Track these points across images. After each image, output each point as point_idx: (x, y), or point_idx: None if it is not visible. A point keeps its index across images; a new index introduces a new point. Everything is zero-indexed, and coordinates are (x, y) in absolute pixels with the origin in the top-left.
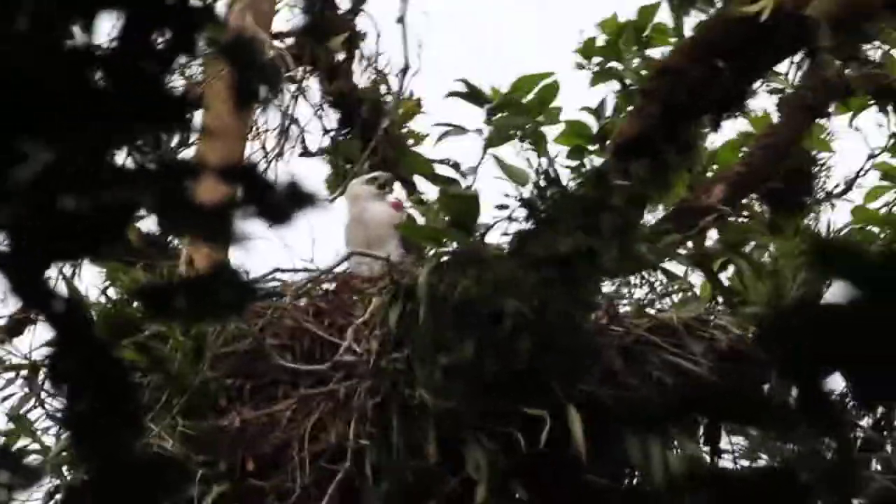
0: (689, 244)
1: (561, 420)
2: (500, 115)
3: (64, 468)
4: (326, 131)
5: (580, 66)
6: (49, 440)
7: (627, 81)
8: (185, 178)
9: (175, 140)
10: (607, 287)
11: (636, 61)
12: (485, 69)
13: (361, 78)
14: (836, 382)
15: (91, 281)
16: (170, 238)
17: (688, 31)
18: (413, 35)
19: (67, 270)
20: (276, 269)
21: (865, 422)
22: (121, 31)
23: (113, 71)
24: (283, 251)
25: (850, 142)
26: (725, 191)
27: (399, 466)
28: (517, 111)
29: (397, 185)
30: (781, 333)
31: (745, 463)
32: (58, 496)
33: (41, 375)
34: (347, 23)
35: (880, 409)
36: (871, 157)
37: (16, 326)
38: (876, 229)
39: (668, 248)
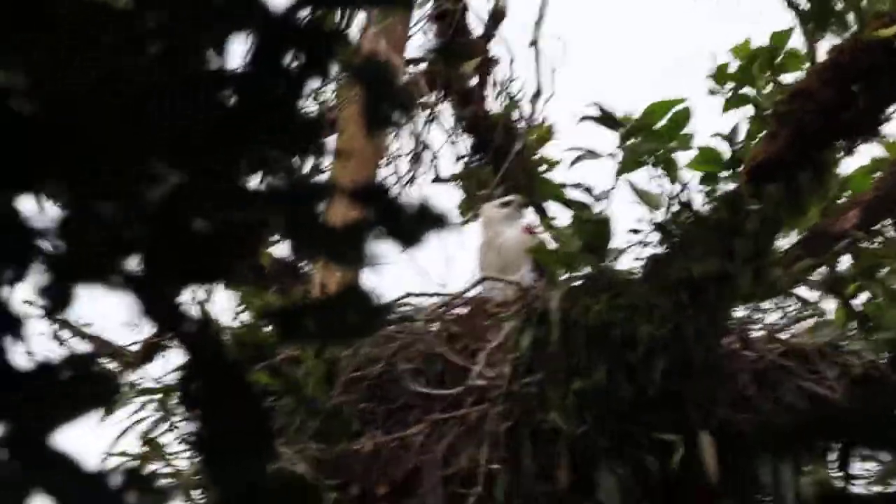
0: (823, 269)
1: (693, 445)
2: (632, 139)
3: (196, 492)
4: (459, 157)
5: (713, 92)
6: (181, 464)
7: (760, 106)
8: (316, 201)
9: (308, 163)
10: (740, 312)
11: (769, 87)
12: (618, 94)
13: (494, 103)
14: None
15: (224, 305)
16: (302, 263)
17: (821, 56)
18: (546, 60)
19: (201, 294)
20: (409, 293)
21: None
22: (253, 54)
23: (245, 94)
24: (417, 275)
25: None
26: (859, 216)
27: (531, 491)
28: (650, 136)
29: (530, 210)
30: None
31: (877, 489)
32: None
33: (173, 399)
34: (480, 48)
35: None
36: None
37: (149, 351)
38: None
39: (801, 273)
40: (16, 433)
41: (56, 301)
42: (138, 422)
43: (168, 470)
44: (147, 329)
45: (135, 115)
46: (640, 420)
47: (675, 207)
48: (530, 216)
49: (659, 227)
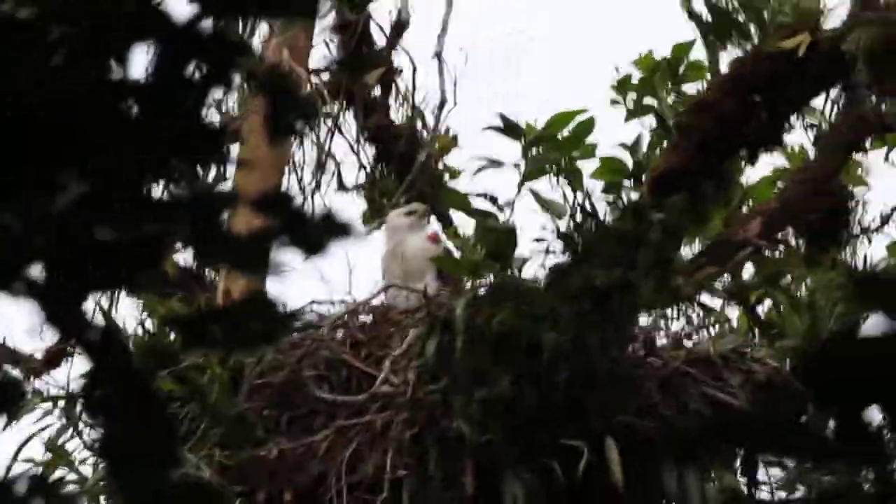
0: (726, 277)
1: (599, 451)
2: (536, 149)
3: (101, 498)
4: (363, 166)
5: (615, 102)
6: (87, 470)
7: (663, 117)
8: (220, 209)
9: (212, 173)
10: (644, 320)
11: (671, 97)
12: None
13: (398, 113)
14: (875, 414)
15: (128, 313)
16: (207, 270)
17: (723, 67)
18: (449, 70)
19: (104, 302)
20: (313, 301)
21: None
22: (156, 63)
23: (148, 103)
24: (321, 283)
25: (887, 177)
26: (762, 225)
27: (437, 498)
28: (553, 146)
29: (434, 219)
30: (819, 366)
31: (783, 494)
32: None
33: (78, 406)
34: (384, 58)
35: None
36: None
37: (53, 358)
38: None
39: (704, 281)
40: None
41: None
42: (43, 428)
43: (74, 476)
44: (51, 336)
45: (38, 124)
46: (545, 427)
47: (579, 216)
48: (434, 225)
49: (562, 235)
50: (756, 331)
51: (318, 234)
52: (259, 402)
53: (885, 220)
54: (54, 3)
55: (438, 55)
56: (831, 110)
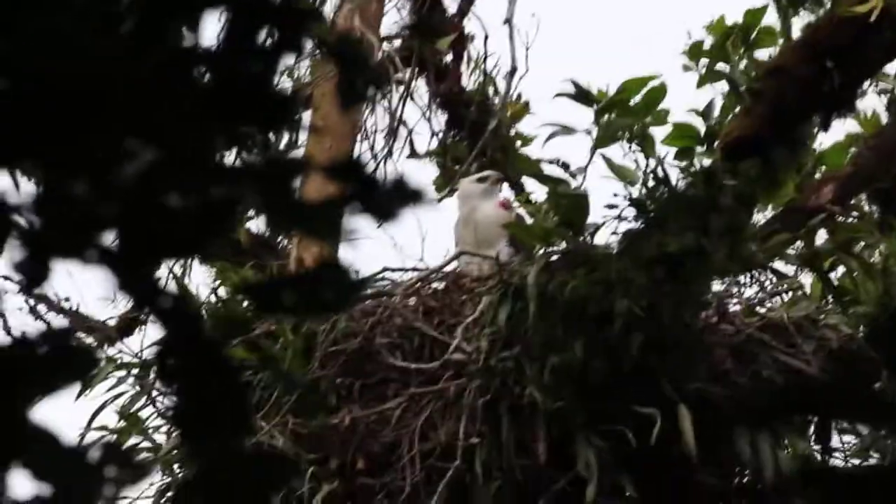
0: (799, 244)
1: (671, 418)
2: (608, 115)
3: (175, 466)
4: (434, 133)
5: (687, 69)
6: (160, 438)
7: (735, 82)
8: (291, 176)
9: (284, 140)
10: (717, 286)
11: (743, 63)
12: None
13: (470, 80)
14: None
15: (202, 281)
16: (279, 238)
17: (796, 33)
18: (521, 36)
19: (178, 270)
20: (386, 268)
21: None
22: (227, 30)
23: (219, 70)
24: (393, 250)
25: None
26: (835, 191)
27: (509, 465)
28: (625, 112)
29: (506, 186)
30: (892, 333)
31: (856, 461)
32: (169, 494)
33: (151, 374)
34: (455, 25)
35: None
36: None
37: (126, 326)
38: None
39: (777, 247)
40: None
41: (32, 276)
42: (117, 396)
43: (147, 444)
44: (124, 304)
45: (109, 92)
46: (617, 394)
47: (651, 183)
48: (507, 191)
49: (634, 202)
50: (829, 297)
51: (391, 200)
52: (332, 370)
53: None
54: None
55: (509, 21)
56: None
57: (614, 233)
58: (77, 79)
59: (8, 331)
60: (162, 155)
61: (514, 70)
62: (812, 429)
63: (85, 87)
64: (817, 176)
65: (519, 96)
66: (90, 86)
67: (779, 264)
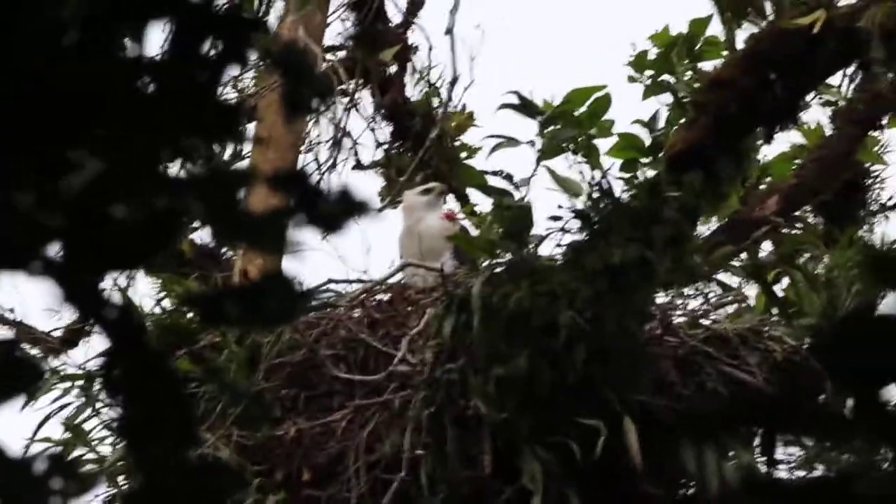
0: (743, 256)
1: (617, 430)
2: (552, 127)
3: (120, 477)
4: (379, 144)
5: (632, 79)
6: (105, 449)
7: (680, 94)
8: (236, 187)
9: (227, 150)
10: (661, 298)
11: (688, 74)
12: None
13: (414, 90)
14: (892, 393)
15: (145, 292)
16: (223, 249)
17: (739, 44)
18: (464, 47)
19: (122, 281)
20: (330, 280)
21: None
22: (171, 40)
23: (163, 81)
24: (338, 262)
25: None
26: (779, 202)
27: (454, 477)
28: (570, 123)
29: (450, 197)
30: (836, 344)
31: (801, 473)
32: None
33: (96, 385)
34: (399, 35)
35: None
36: None
37: (71, 337)
38: None
39: (721, 259)
40: None
41: None
42: (61, 408)
43: (92, 456)
44: (69, 315)
45: (52, 103)
46: (562, 406)
47: (595, 194)
48: (451, 203)
49: (579, 213)
50: (774, 309)
51: (335, 212)
52: (277, 382)
53: None
54: None
55: (450, 31)
56: (847, 87)
57: (559, 244)
58: (19, 88)
59: None
60: (107, 166)
61: (455, 80)
62: (757, 441)
63: (28, 98)
64: (762, 188)
65: (464, 107)
66: (34, 96)
67: (723, 276)
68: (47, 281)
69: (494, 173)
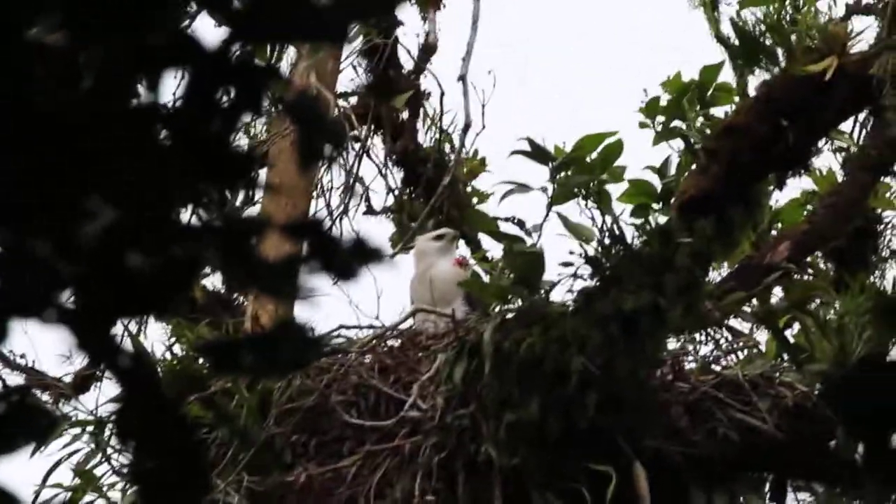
0: (755, 302)
1: (627, 476)
2: (564, 173)
3: None
4: (391, 190)
5: (644, 125)
6: (115, 496)
7: (691, 140)
8: (250, 235)
9: (240, 197)
10: (672, 344)
11: (700, 120)
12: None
13: (425, 137)
14: None
15: (157, 338)
16: (235, 295)
17: (751, 91)
18: (477, 94)
19: (133, 327)
20: (342, 326)
21: None
22: (185, 89)
23: (177, 129)
24: (349, 308)
25: None
26: (790, 248)
27: None
28: (581, 169)
29: (462, 243)
30: (847, 391)
31: None
32: None
33: (107, 431)
34: (411, 82)
35: None
36: None
37: (82, 383)
38: None
39: (733, 305)
40: None
41: None
42: (71, 454)
43: (102, 502)
44: (80, 361)
45: (67, 149)
46: (573, 451)
47: (607, 241)
48: (463, 249)
49: (590, 260)
50: (785, 355)
51: (349, 259)
52: (287, 427)
53: None
54: (84, 29)
55: (463, 78)
56: (859, 134)
57: (570, 290)
58: (35, 134)
59: None
60: (122, 213)
61: (468, 126)
62: (767, 486)
63: (43, 143)
64: (773, 233)
65: (475, 153)
66: (48, 141)
67: (734, 322)
68: (60, 327)
69: (506, 219)
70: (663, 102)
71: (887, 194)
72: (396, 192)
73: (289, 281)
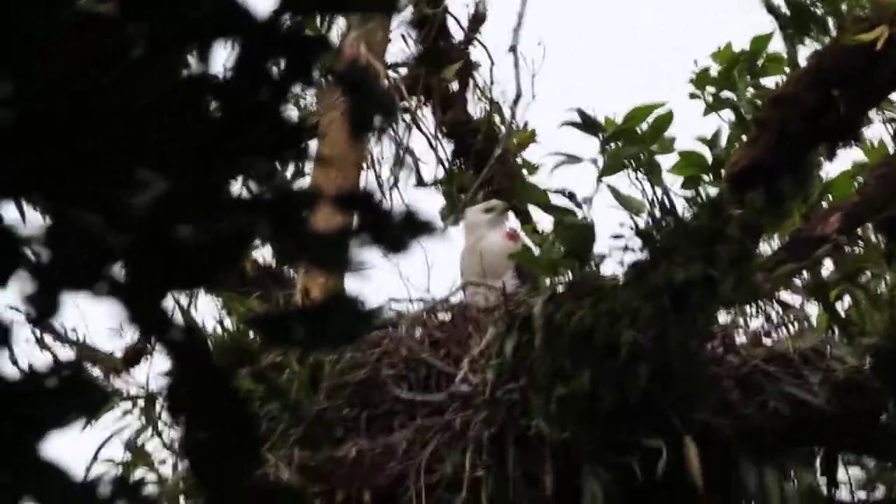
0: (805, 274)
1: (677, 450)
2: (614, 144)
3: (181, 498)
4: (440, 161)
5: (694, 96)
6: (167, 470)
7: (742, 111)
8: (300, 207)
9: (291, 169)
10: (723, 317)
11: (750, 91)
12: (599, 98)
13: (475, 108)
14: None
15: (207, 311)
16: (285, 268)
17: (802, 61)
18: (527, 64)
19: (184, 301)
20: (392, 299)
21: None
22: (236, 60)
23: (228, 100)
24: (400, 281)
25: None
26: (841, 220)
27: (516, 497)
28: (631, 141)
29: (512, 215)
30: None
31: (863, 494)
32: None
33: (158, 405)
34: (461, 53)
35: None
36: None
37: (133, 357)
38: None
39: (783, 278)
40: (3, 442)
41: (42, 310)
42: (123, 428)
43: (153, 477)
44: (131, 335)
45: (118, 122)
46: (623, 425)
47: (657, 212)
48: (513, 221)
49: (641, 232)
50: (836, 328)
51: (399, 232)
52: (338, 402)
53: None
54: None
55: (514, 49)
56: None
57: (620, 263)
58: (85, 106)
59: (16, 363)
60: (172, 185)
61: (518, 97)
62: (818, 461)
63: (93, 115)
64: (823, 205)
65: (525, 125)
66: (99, 113)
67: (785, 295)
68: (111, 301)
69: (556, 191)
70: (713, 73)
71: None
72: (446, 164)
73: (339, 254)
